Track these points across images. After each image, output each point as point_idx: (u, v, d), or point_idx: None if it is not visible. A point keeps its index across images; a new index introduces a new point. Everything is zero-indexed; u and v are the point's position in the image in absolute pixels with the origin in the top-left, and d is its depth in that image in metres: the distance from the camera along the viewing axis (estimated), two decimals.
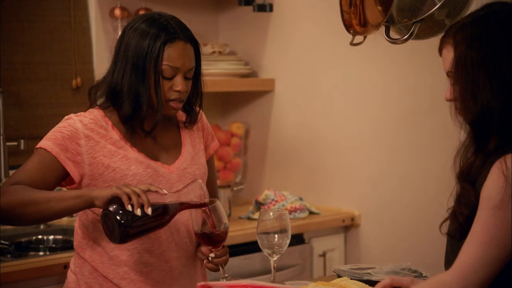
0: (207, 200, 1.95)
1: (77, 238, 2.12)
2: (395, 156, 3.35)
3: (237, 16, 3.77)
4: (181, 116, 2.21)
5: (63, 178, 2.02)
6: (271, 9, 3.53)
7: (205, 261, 2.09)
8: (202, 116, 2.24)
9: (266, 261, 3.13)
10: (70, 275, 2.15)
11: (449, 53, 1.74)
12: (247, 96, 3.78)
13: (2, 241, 2.88)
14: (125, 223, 1.81)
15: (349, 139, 3.47)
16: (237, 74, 3.65)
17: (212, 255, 2.05)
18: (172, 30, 2.03)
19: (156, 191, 1.89)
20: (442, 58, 1.78)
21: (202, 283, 1.62)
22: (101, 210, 1.88)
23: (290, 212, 3.33)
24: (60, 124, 2.05)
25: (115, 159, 2.03)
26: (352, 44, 2.43)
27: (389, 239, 3.36)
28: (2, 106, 2.90)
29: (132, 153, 2.06)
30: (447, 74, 1.76)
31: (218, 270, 2.06)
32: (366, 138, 3.42)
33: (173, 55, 2.02)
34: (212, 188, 2.27)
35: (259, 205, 3.37)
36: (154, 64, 2.01)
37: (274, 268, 2.06)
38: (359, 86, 3.44)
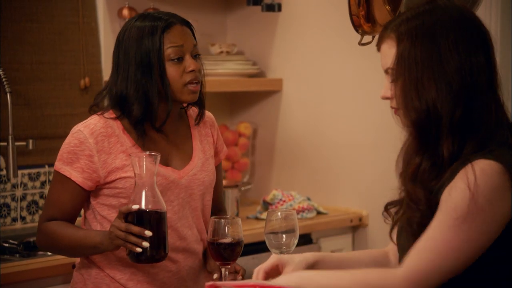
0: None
1: None
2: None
3: (245, 16, 3.77)
4: (192, 116, 2.21)
5: (87, 194, 2.09)
6: (279, 9, 3.53)
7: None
8: (214, 123, 2.25)
9: None
10: (76, 275, 2.17)
11: (390, 49, 1.64)
12: (255, 96, 3.78)
13: (11, 241, 2.89)
14: (145, 257, 1.92)
15: (357, 139, 3.46)
16: (245, 74, 3.65)
17: (215, 276, 2.03)
18: (165, 18, 2.05)
19: (135, 208, 1.91)
20: (380, 54, 1.68)
21: (210, 282, 1.62)
22: (103, 210, 2.07)
23: (298, 212, 3.32)
24: (72, 142, 2.06)
25: (126, 168, 2.05)
26: (360, 44, 2.43)
27: None
28: (10, 106, 2.91)
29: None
30: (386, 71, 1.66)
31: None
32: (374, 137, 3.41)
33: (174, 37, 2.04)
34: (218, 194, 2.27)
35: (266, 205, 3.37)
36: (158, 54, 2.01)
37: None
38: (367, 86, 3.44)
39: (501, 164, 1.51)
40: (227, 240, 1.96)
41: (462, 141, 1.57)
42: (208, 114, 2.24)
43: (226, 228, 1.96)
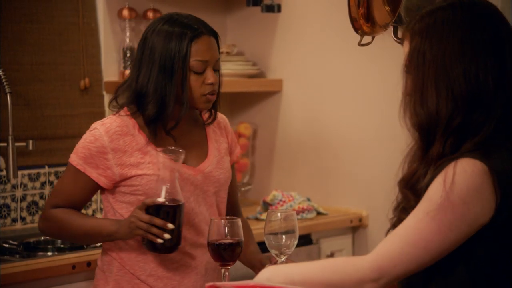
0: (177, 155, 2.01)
1: None
2: (403, 157, 3.34)
3: (245, 17, 3.77)
4: (205, 116, 2.24)
5: (97, 189, 2.14)
6: (279, 10, 3.53)
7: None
8: (227, 124, 2.29)
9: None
10: (98, 272, 2.20)
11: (406, 47, 1.61)
12: (255, 96, 3.78)
13: (10, 241, 2.89)
14: (161, 248, 2.02)
15: (357, 139, 3.46)
16: (245, 75, 3.65)
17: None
18: (195, 27, 2.09)
19: (153, 202, 1.99)
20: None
21: (210, 283, 1.62)
22: (122, 208, 2.13)
23: (298, 212, 3.32)
24: (87, 138, 2.11)
25: (142, 166, 2.09)
26: (360, 44, 2.43)
27: None
28: (10, 106, 2.91)
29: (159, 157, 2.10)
30: (403, 68, 1.63)
31: None
32: (374, 138, 3.41)
33: (201, 50, 2.07)
34: (233, 193, 2.31)
35: (267, 206, 3.37)
36: (182, 62, 2.05)
37: None
38: (367, 87, 3.44)
39: (486, 166, 1.48)
40: (227, 241, 1.96)
41: (456, 144, 1.53)
42: (221, 115, 2.29)
43: (226, 229, 1.96)
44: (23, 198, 3.15)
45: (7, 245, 2.87)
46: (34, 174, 3.17)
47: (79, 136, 3.30)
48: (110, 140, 2.08)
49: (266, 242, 2.05)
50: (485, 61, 1.52)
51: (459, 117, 1.52)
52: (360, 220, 3.43)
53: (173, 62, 2.05)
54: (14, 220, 3.13)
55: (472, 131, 1.53)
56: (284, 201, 3.37)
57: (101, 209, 3.38)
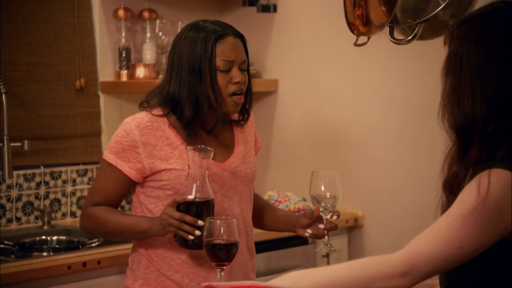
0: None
1: None
2: (398, 157, 3.34)
3: (241, 17, 3.77)
4: (234, 115, 2.28)
5: (130, 184, 2.19)
6: (275, 10, 3.53)
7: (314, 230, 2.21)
8: (252, 117, 2.33)
9: (270, 261, 3.13)
10: (128, 272, 2.26)
11: (445, 49, 1.64)
12: (252, 93, 3.78)
13: (6, 242, 2.89)
14: (192, 244, 2.07)
15: (353, 139, 3.47)
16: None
17: (309, 231, 2.17)
18: (219, 29, 2.15)
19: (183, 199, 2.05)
20: None
21: (206, 283, 1.62)
22: (150, 202, 2.19)
23: (294, 212, 3.32)
24: (119, 133, 2.18)
25: (171, 161, 2.15)
26: (356, 44, 2.43)
27: (392, 240, 3.35)
28: (6, 106, 2.91)
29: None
30: (442, 71, 1.65)
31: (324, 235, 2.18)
32: (370, 138, 3.41)
33: (225, 49, 2.13)
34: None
35: None
36: (209, 62, 2.12)
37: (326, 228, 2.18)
38: (363, 87, 3.44)
39: None
40: (223, 241, 1.96)
41: (492, 149, 1.56)
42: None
43: (222, 229, 1.96)
44: (19, 198, 3.14)
45: (2, 246, 2.86)
46: (29, 175, 3.17)
47: (74, 136, 3.34)
48: (140, 134, 2.14)
49: (313, 201, 2.15)
50: None
51: (493, 122, 1.55)
52: (355, 220, 3.44)
53: (200, 63, 2.12)
54: (10, 221, 3.12)
55: (506, 137, 1.56)
56: (280, 201, 3.37)
57: (121, 207, 3.40)
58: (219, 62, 2.12)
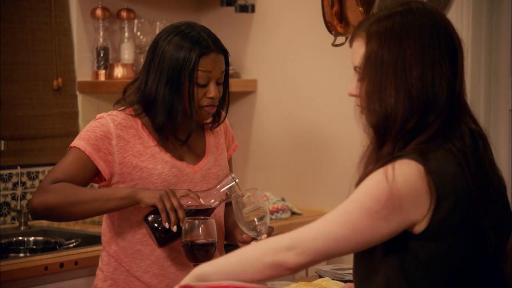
0: (242, 192, 2.07)
1: (105, 233, 2.20)
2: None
3: (219, 17, 3.77)
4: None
5: (96, 175, 2.12)
6: (253, 10, 3.53)
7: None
8: (225, 120, 2.32)
9: None
10: (98, 273, 2.24)
11: (360, 48, 1.62)
12: (229, 97, 3.77)
13: None
14: (160, 233, 2.01)
15: (332, 140, 3.48)
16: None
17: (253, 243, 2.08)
18: (205, 44, 2.13)
19: (194, 199, 2.03)
20: (351, 51, 1.67)
21: (184, 283, 1.61)
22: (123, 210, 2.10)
23: (272, 212, 3.33)
24: (93, 124, 2.14)
25: (143, 158, 2.13)
26: (334, 45, 2.44)
27: None
28: None
29: (159, 153, 2.15)
30: (355, 68, 1.66)
31: None
32: (348, 138, 3.42)
33: (207, 65, 2.13)
34: None
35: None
36: (189, 75, 2.11)
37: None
38: (341, 87, 3.44)
39: (421, 166, 1.51)
40: (201, 241, 1.96)
41: (404, 145, 1.55)
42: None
43: (200, 228, 1.96)
44: None
45: None
46: (6, 175, 3.14)
47: (52, 136, 3.32)
48: (115, 127, 2.12)
49: (244, 230, 2.08)
50: (441, 67, 1.56)
51: (414, 119, 1.55)
52: None
53: (179, 74, 2.10)
54: None
55: (422, 131, 1.56)
56: None
57: None
58: (199, 76, 2.11)
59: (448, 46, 1.58)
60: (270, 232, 2.10)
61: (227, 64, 2.20)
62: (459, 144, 1.55)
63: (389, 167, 1.51)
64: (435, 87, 1.56)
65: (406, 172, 1.50)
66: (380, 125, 1.57)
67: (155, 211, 2.02)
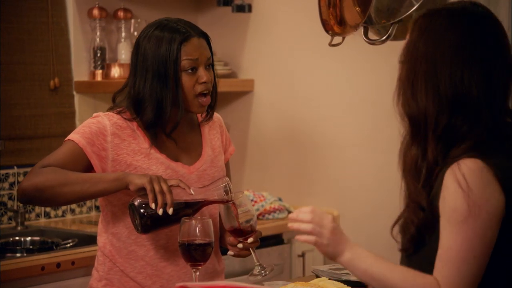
0: (229, 197, 2.05)
1: (100, 234, 2.20)
2: (374, 157, 3.36)
3: (216, 17, 3.77)
4: (201, 116, 2.27)
5: (88, 170, 2.10)
6: (250, 10, 3.53)
7: (237, 248, 2.12)
8: (222, 123, 2.34)
9: (245, 261, 3.12)
10: (93, 273, 2.24)
11: (406, 38, 1.66)
12: (227, 96, 3.78)
13: None
14: (146, 217, 1.98)
15: (328, 139, 3.48)
16: (216, 75, 3.64)
17: (240, 245, 2.09)
18: (183, 30, 2.13)
19: (184, 189, 2.00)
20: None
21: (180, 283, 1.62)
22: (117, 210, 2.11)
23: (269, 212, 3.33)
24: (89, 120, 2.15)
25: (137, 157, 2.13)
26: (330, 44, 2.44)
27: (368, 240, 3.36)
28: None
29: (154, 153, 2.14)
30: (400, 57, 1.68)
31: (249, 255, 2.10)
32: (345, 138, 3.43)
33: (190, 50, 2.12)
34: None
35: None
36: (174, 65, 2.10)
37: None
38: (338, 87, 3.45)
39: (483, 162, 1.53)
40: (198, 241, 1.96)
41: (447, 147, 1.58)
42: (217, 115, 2.33)
43: (197, 229, 1.96)
44: None
45: None
46: (2, 175, 3.14)
47: (48, 136, 3.31)
48: (111, 125, 2.12)
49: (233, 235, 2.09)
50: (471, 67, 1.58)
51: (445, 118, 1.57)
52: None
53: (165, 66, 2.10)
54: None
55: (459, 137, 1.58)
56: (255, 201, 3.37)
57: (96, 207, 3.38)
58: (184, 62, 2.11)
59: (484, 50, 1.58)
60: (257, 236, 2.10)
61: (211, 47, 2.19)
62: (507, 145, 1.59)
63: (458, 176, 1.53)
64: (463, 87, 1.57)
65: (476, 170, 1.53)
66: (413, 116, 1.61)
67: (142, 196, 1.99)
